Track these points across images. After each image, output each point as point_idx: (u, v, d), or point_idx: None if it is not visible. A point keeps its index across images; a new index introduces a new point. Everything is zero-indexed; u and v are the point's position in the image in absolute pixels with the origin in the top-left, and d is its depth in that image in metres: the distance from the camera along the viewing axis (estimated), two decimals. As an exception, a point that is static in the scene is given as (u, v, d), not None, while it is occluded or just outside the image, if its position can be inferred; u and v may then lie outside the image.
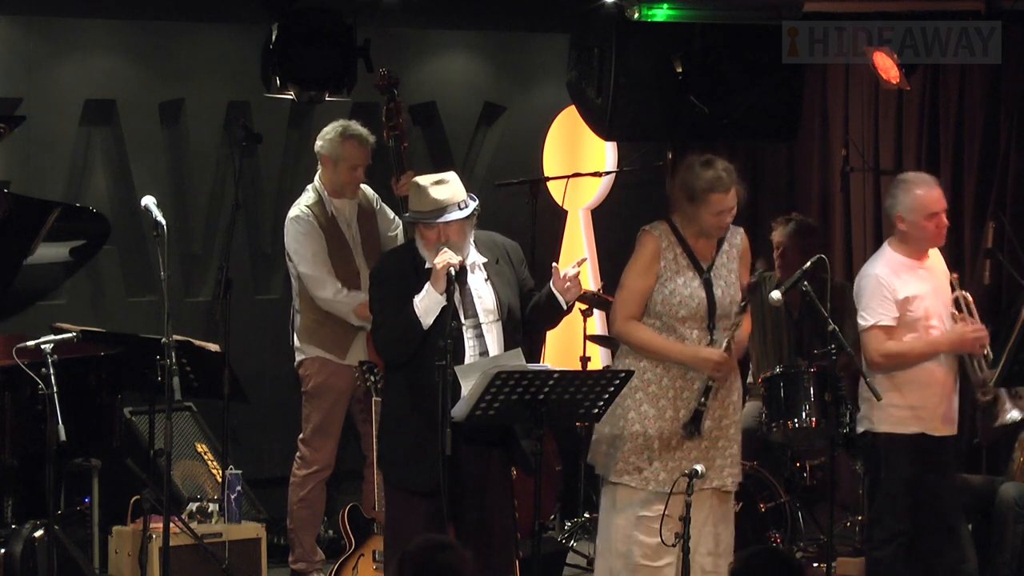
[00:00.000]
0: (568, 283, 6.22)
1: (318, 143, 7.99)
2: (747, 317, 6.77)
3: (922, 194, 6.96)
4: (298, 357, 8.02)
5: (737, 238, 6.69)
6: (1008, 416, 7.50)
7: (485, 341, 6.24)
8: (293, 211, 7.96)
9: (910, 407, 6.97)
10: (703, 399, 6.46)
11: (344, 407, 8.00)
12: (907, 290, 6.97)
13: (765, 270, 8.56)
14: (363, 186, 8.12)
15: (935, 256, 7.12)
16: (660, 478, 6.50)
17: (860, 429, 7.17)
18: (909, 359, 6.89)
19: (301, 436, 8.00)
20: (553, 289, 6.26)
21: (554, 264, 6.33)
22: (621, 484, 6.56)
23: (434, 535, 5.27)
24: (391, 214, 8.13)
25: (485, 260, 6.33)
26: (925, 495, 7.04)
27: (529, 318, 6.39)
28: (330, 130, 7.98)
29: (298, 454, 8.00)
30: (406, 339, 6.21)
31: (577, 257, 6.42)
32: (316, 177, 8.01)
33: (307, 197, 7.97)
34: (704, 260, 6.62)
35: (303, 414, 8.01)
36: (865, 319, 7.01)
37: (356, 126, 8.00)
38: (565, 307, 6.30)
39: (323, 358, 7.93)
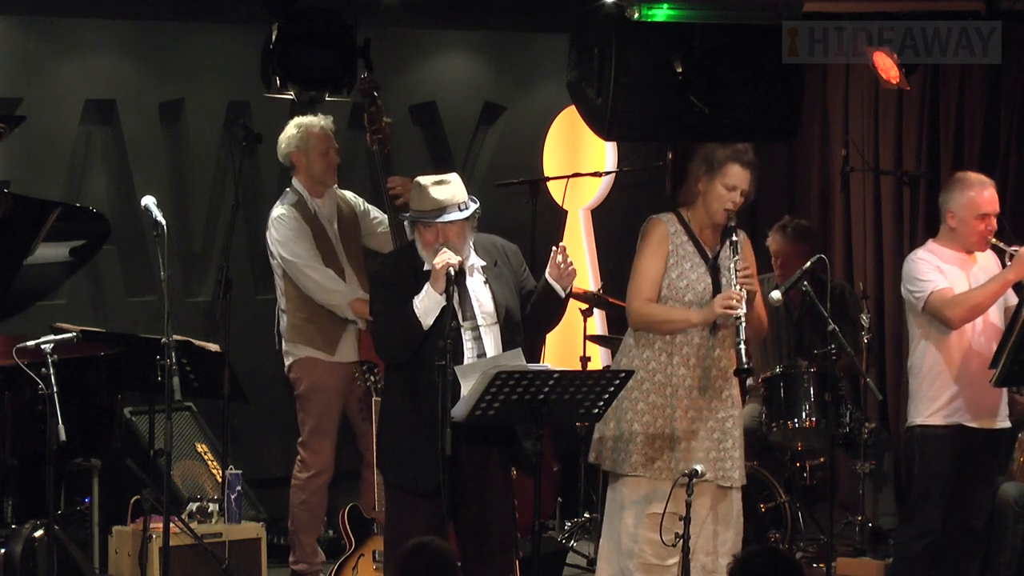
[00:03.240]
0: (562, 268, 6.22)
1: (282, 148, 8.04)
2: (764, 315, 6.77)
3: (975, 194, 7.05)
4: (287, 361, 8.00)
5: (739, 237, 6.70)
6: None
7: (483, 343, 6.24)
8: (276, 212, 7.97)
9: (947, 397, 6.99)
10: (738, 337, 6.43)
11: (338, 406, 7.99)
12: (946, 270, 7.01)
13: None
14: (344, 191, 8.14)
15: (989, 262, 7.11)
16: (673, 467, 6.50)
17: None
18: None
19: (300, 440, 8.00)
20: (549, 278, 6.26)
21: (554, 246, 6.30)
22: (632, 477, 6.55)
23: (426, 539, 5.24)
24: (376, 212, 8.15)
25: (484, 263, 6.33)
26: (957, 493, 7.04)
27: (529, 315, 6.38)
28: (288, 130, 8.06)
29: (299, 458, 7.99)
30: (406, 339, 6.21)
31: (577, 257, 6.41)
32: (292, 181, 8.03)
33: (288, 199, 8.00)
34: (710, 251, 6.64)
35: (299, 418, 8.00)
36: (920, 295, 6.99)
37: (308, 116, 8.06)
38: (563, 295, 6.28)
39: (312, 358, 7.91)
